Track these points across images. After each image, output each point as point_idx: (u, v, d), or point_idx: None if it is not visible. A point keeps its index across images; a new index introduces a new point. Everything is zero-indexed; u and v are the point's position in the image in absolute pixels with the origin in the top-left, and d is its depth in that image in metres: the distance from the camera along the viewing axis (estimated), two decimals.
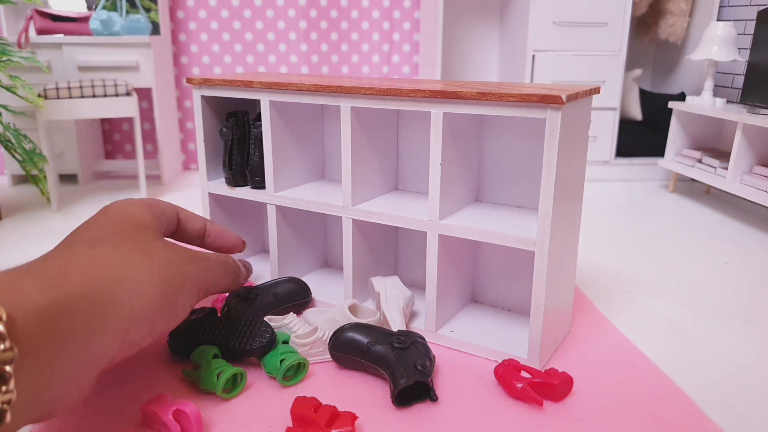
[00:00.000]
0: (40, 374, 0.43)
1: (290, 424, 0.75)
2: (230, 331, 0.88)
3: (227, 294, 1.06)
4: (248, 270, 0.89)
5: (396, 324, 0.95)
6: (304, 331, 0.93)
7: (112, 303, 0.48)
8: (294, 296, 1.07)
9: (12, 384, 0.40)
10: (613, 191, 2.19)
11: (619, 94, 2.24)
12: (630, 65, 2.63)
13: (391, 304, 0.99)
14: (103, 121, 2.56)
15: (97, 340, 0.46)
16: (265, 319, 0.97)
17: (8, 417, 0.41)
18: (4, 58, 1.75)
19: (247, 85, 1.06)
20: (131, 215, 0.61)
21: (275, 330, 0.96)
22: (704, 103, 2.02)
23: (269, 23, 2.49)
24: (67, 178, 2.44)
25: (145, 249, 0.55)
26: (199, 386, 0.81)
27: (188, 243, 0.83)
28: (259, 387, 0.84)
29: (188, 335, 0.88)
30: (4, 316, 0.40)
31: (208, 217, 1.22)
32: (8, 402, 0.40)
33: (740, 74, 2.20)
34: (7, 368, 0.39)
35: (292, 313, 0.99)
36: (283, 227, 1.15)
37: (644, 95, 2.46)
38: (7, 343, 0.39)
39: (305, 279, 1.22)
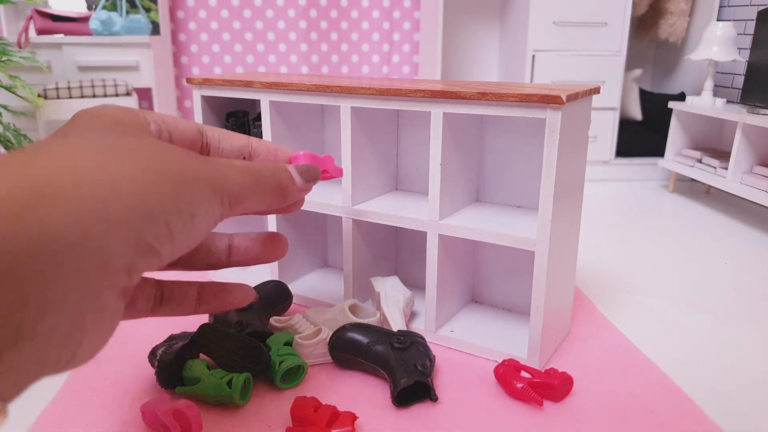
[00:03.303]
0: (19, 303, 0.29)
1: (290, 425, 0.75)
2: (222, 353, 0.84)
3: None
4: (311, 175, 0.60)
5: (396, 324, 0.95)
6: (309, 332, 0.93)
7: (109, 196, 0.35)
8: (278, 299, 1.05)
9: None
10: (613, 191, 2.19)
11: (619, 94, 2.24)
12: (630, 65, 2.63)
13: (391, 304, 0.99)
14: None
15: (101, 238, 0.33)
16: (271, 320, 0.97)
17: None
18: (4, 58, 1.75)
19: (247, 85, 1.06)
20: (113, 114, 0.48)
21: (280, 331, 0.96)
22: (704, 103, 2.02)
23: (269, 23, 2.49)
24: None
25: (139, 145, 0.41)
26: (205, 399, 0.79)
27: None
28: (259, 387, 0.84)
29: (176, 363, 0.82)
30: None
31: None
32: None
33: (740, 74, 2.20)
34: None
35: (298, 314, 0.98)
36: (283, 227, 1.15)
37: (644, 95, 2.46)
38: None
39: (305, 279, 1.22)
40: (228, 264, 0.59)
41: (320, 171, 0.59)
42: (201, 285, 0.57)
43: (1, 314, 0.29)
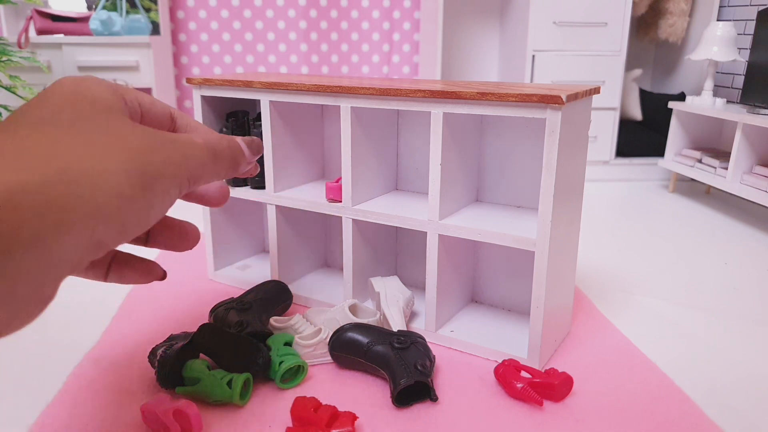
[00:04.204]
0: None
1: (290, 425, 0.75)
2: (222, 354, 0.84)
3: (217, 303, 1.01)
4: (255, 148, 0.62)
5: (396, 324, 0.95)
6: (309, 332, 0.92)
7: (71, 197, 0.37)
8: (278, 299, 1.05)
9: None
10: (613, 191, 2.19)
11: (619, 94, 2.24)
12: (630, 65, 2.63)
13: (391, 304, 0.99)
14: None
15: (54, 242, 0.36)
16: (271, 320, 0.97)
17: None
18: (4, 58, 1.75)
19: (247, 85, 1.06)
20: (89, 92, 0.47)
21: (280, 331, 0.96)
22: (704, 103, 2.02)
23: (269, 23, 2.49)
24: None
25: (108, 132, 0.43)
26: (205, 399, 0.79)
27: None
28: (259, 387, 0.84)
29: (176, 363, 0.82)
30: None
31: (208, 217, 1.22)
32: None
33: (740, 74, 2.20)
34: None
35: (298, 314, 0.98)
36: (283, 227, 1.15)
37: (644, 95, 2.46)
38: None
39: (305, 279, 1.22)
40: (146, 244, 0.58)
41: (262, 143, 0.61)
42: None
43: None
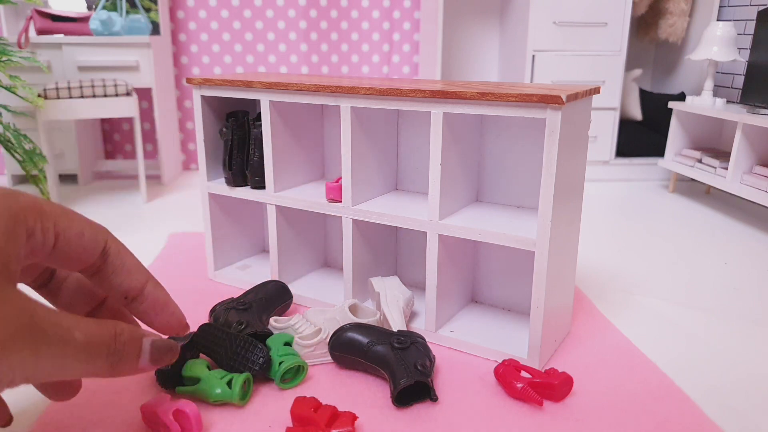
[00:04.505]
0: None
1: (290, 424, 0.75)
2: (221, 354, 0.84)
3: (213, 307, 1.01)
4: (163, 355, 0.56)
5: (396, 324, 0.95)
6: (309, 332, 0.92)
7: None
8: (278, 299, 1.05)
9: None
10: (613, 191, 2.19)
11: (619, 94, 2.24)
12: (630, 65, 2.63)
13: (391, 304, 0.99)
14: (103, 121, 2.56)
15: None
16: (271, 320, 0.96)
17: None
18: (4, 58, 1.75)
19: (247, 85, 1.06)
20: None
21: (280, 331, 0.96)
22: (704, 103, 2.02)
23: (269, 23, 2.49)
24: (67, 178, 2.43)
25: None
26: (205, 399, 0.79)
27: (107, 293, 0.56)
28: (259, 387, 0.84)
29: (176, 363, 0.81)
30: None
31: (208, 218, 1.22)
32: None
33: (740, 74, 2.20)
34: None
35: (298, 314, 0.98)
36: (283, 227, 1.15)
37: (644, 95, 2.46)
38: None
39: (305, 279, 1.22)
40: (126, 308, 0.58)
41: (178, 352, 0.57)
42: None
43: None
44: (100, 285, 0.54)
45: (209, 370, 0.81)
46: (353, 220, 1.03)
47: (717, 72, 2.30)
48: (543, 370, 0.86)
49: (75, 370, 0.44)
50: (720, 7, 2.28)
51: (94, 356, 0.46)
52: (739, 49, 2.16)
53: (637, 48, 2.64)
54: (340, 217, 1.09)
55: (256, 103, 1.26)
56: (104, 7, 2.24)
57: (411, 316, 1.05)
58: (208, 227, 1.22)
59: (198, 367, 0.81)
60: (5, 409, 0.57)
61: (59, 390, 0.57)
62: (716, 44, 1.99)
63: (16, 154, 1.87)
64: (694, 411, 0.80)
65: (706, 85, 2.08)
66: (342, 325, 0.91)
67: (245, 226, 1.31)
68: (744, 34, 2.16)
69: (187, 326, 0.60)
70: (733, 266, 1.41)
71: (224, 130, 1.16)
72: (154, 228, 1.66)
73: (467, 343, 0.96)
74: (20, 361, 0.40)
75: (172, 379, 0.81)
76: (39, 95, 1.88)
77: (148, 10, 2.37)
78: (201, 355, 0.89)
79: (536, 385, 0.81)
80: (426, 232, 0.95)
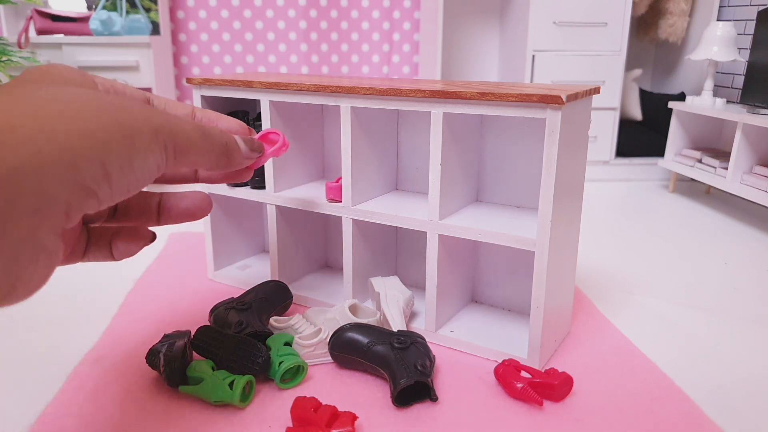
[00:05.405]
0: None
1: (290, 425, 0.75)
2: (221, 355, 0.84)
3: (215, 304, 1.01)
4: (253, 146, 0.63)
5: (396, 324, 0.95)
6: (309, 332, 0.92)
7: (41, 132, 0.36)
8: (278, 299, 1.05)
9: None
10: (613, 191, 2.19)
11: (619, 94, 2.24)
12: (630, 65, 2.63)
13: (391, 304, 0.99)
14: None
15: (33, 175, 0.35)
16: (271, 320, 0.96)
17: None
18: (4, 58, 1.75)
19: (247, 85, 1.06)
20: (57, 72, 0.48)
21: (280, 331, 0.96)
22: (704, 103, 2.02)
23: (269, 23, 2.49)
24: None
25: (79, 93, 0.42)
26: (206, 400, 0.79)
27: None
28: (259, 387, 0.84)
29: (183, 360, 0.82)
30: None
31: (208, 217, 1.22)
32: None
33: (740, 74, 2.20)
34: None
35: (298, 314, 0.98)
36: (283, 227, 1.15)
37: (644, 95, 2.46)
38: None
39: (305, 279, 1.22)
40: (158, 221, 0.61)
41: (263, 145, 0.65)
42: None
43: None
44: None
45: (213, 370, 0.81)
46: (353, 220, 1.03)
47: (717, 72, 2.30)
48: (543, 370, 0.86)
49: (197, 144, 0.51)
50: (720, 7, 2.28)
51: (207, 133, 0.53)
52: (739, 49, 2.16)
53: (637, 48, 2.64)
54: (340, 217, 1.09)
55: (256, 103, 1.26)
56: (104, 7, 2.24)
57: (411, 316, 1.05)
58: (208, 227, 1.22)
59: (202, 367, 0.81)
60: (141, 228, 0.59)
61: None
62: (716, 44, 1.99)
63: None
64: (694, 411, 0.80)
65: (706, 85, 2.08)
66: (342, 325, 0.91)
67: (245, 226, 1.31)
68: (744, 34, 2.16)
69: (249, 131, 0.68)
70: (733, 266, 1.41)
71: None
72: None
73: (467, 343, 0.96)
74: (150, 118, 0.47)
75: (179, 375, 0.82)
76: None
77: (148, 10, 2.37)
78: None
79: (536, 385, 0.81)
80: (426, 232, 0.95)
